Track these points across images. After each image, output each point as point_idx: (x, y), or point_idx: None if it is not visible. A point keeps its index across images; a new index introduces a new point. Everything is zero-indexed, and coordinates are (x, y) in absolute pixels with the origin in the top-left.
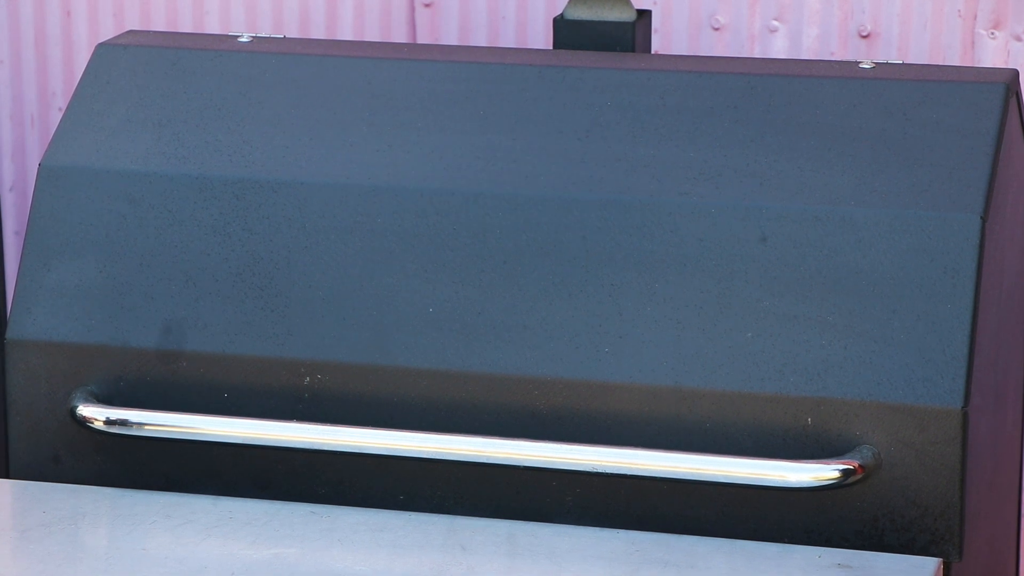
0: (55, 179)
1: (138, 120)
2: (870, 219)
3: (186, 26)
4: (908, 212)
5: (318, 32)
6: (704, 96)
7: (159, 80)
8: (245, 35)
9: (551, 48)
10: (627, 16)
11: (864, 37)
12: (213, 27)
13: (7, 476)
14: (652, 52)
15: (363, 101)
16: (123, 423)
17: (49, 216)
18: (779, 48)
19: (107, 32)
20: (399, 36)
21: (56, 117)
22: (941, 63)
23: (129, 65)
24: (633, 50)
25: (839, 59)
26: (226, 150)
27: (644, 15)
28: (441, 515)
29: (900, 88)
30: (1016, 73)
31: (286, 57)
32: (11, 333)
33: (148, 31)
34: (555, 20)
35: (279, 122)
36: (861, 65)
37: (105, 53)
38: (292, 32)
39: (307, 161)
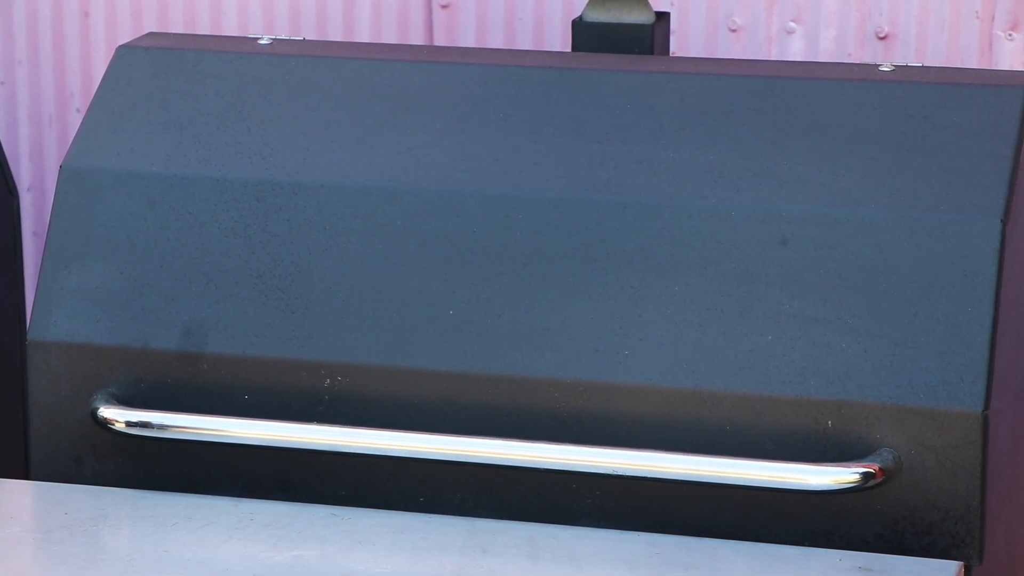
0: (76, 181)
1: (159, 122)
2: (890, 222)
3: (204, 27)
4: (928, 215)
5: (335, 32)
6: (724, 99)
7: (180, 82)
8: (265, 37)
9: (569, 50)
10: (646, 18)
11: (881, 39)
12: (231, 28)
13: (28, 477)
14: (670, 54)
15: (384, 104)
16: (144, 425)
17: (70, 218)
18: (796, 50)
19: (125, 33)
20: (416, 37)
21: (74, 117)
22: (958, 65)
23: (150, 67)
24: (652, 52)
25: (856, 61)
26: (247, 152)
27: (663, 17)
28: (461, 517)
29: (920, 91)
30: None
31: (307, 59)
32: (32, 334)
33: (168, 33)
34: (574, 22)
35: (299, 124)
36: (881, 68)
37: (126, 55)
38: (309, 32)
39: (327, 163)
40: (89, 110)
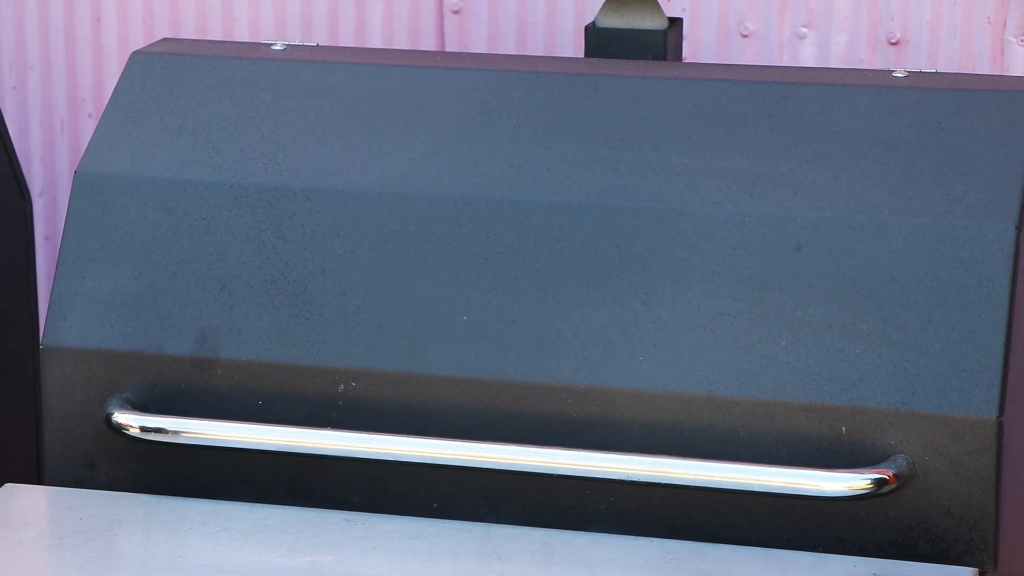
0: (91, 187)
1: (173, 128)
2: (904, 228)
3: (216, 33)
4: (942, 221)
5: (347, 38)
6: (738, 104)
7: (194, 88)
8: (279, 43)
9: (582, 56)
10: (659, 24)
11: (893, 44)
12: (243, 34)
13: (41, 483)
14: (683, 60)
15: (397, 109)
16: (158, 430)
17: (84, 224)
18: (808, 55)
19: (137, 38)
20: (428, 42)
21: (86, 123)
22: (970, 70)
23: (164, 73)
24: (665, 58)
25: (868, 66)
26: (260, 158)
27: (676, 23)
28: (476, 523)
29: (934, 97)
30: None
31: (320, 65)
32: (47, 340)
33: (182, 39)
34: (587, 28)
35: (313, 130)
36: (894, 74)
37: (140, 61)
38: (321, 38)
39: (341, 169)
40: (103, 116)
